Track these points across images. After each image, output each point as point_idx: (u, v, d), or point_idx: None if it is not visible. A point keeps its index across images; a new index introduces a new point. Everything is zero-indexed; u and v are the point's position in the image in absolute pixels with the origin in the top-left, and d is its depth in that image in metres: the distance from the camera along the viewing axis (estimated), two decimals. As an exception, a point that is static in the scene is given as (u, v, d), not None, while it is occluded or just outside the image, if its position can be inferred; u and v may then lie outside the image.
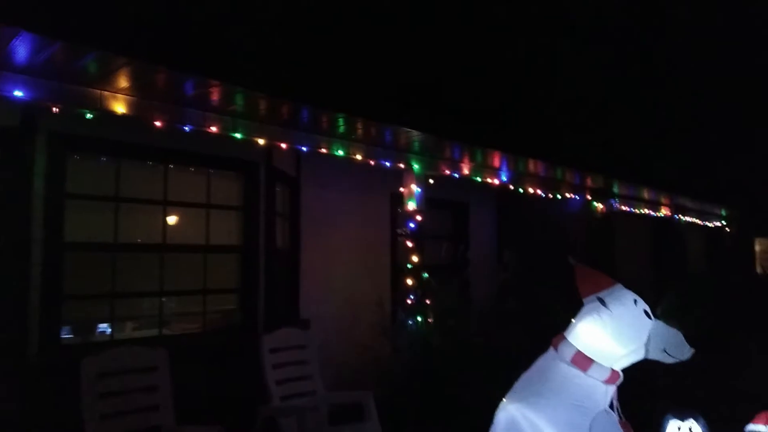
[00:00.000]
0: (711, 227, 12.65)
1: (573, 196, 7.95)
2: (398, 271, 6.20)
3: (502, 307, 6.14)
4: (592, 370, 2.45)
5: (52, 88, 3.56)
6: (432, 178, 5.94)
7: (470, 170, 6.34)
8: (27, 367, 3.70)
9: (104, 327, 4.49)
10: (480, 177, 6.51)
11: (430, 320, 5.40)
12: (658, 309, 2.65)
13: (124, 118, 3.83)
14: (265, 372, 4.19)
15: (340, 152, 5.11)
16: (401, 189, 5.82)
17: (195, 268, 4.86)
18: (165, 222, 4.71)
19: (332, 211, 6.00)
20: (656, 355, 2.45)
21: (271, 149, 4.94)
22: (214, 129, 4.23)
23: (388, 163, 5.53)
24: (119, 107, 3.76)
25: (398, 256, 6.36)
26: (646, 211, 9.88)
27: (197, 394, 4.03)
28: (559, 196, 7.74)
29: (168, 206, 4.73)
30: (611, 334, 2.44)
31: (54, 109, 3.65)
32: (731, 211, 12.32)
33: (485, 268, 7.54)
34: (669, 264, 10.12)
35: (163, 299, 4.76)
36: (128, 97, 3.79)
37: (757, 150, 10.70)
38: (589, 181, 7.90)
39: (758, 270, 14.72)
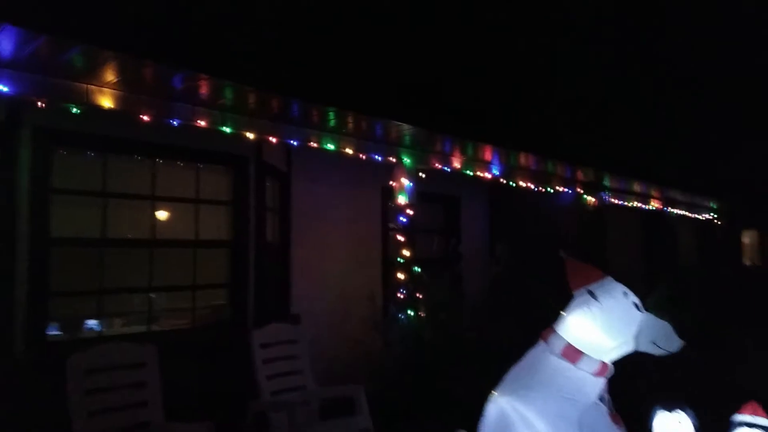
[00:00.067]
0: (701, 220, 12.74)
1: (564, 190, 7.97)
2: (390, 265, 6.19)
3: (494, 301, 6.15)
4: (582, 363, 2.46)
5: (37, 82, 3.51)
6: (423, 172, 5.92)
7: (461, 164, 6.34)
8: (13, 364, 3.66)
9: (92, 323, 4.45)
10: (471, 171, 6.51)
11: (421, 314, 5.40)
12: (648, 301, 2.65)
13: (111, 113, 3.79)
14: (256, 367, 4.17)
15: (331, 146, 5.09)
16: (392, 183, 5.80)
17: (184, 263, 4.82)
18: (153, 217, 4.67)
19: (323, 205, 5.98)
20: (646, 348, 2.46)
21: (260, 143, 4.91)
22: (202, 123, 4.19)
23: (379, 157, 5.51)
24: (106, 101, 3.71)
25: (390, 250, 6.36)
26: (637, 204, 9.94)
27: (187, 390, 4.00)
28: (550, 190, 7.76)
29: (156, 201, 4.69)
30: (601, 327, 2.45)
31: (39, 103, 3.60)
32: (721, 204, 12.42)
33: (477, 261, 7.55)
34: (660, 256, 10.19)
35: (152, 295, 4.73)
36: (115, 91, 3.74)
37: (746, 143, 10.77)
38: (580, 175, 7.92)
39: (747, 262, 14.87)
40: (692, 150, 10.03)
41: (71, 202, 4.26)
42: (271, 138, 4.71)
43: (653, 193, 10.04)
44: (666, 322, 2.47)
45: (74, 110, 3.68)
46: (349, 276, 6.06)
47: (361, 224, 6.38)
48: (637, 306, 2.50)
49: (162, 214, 4.88)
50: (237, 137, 4.47)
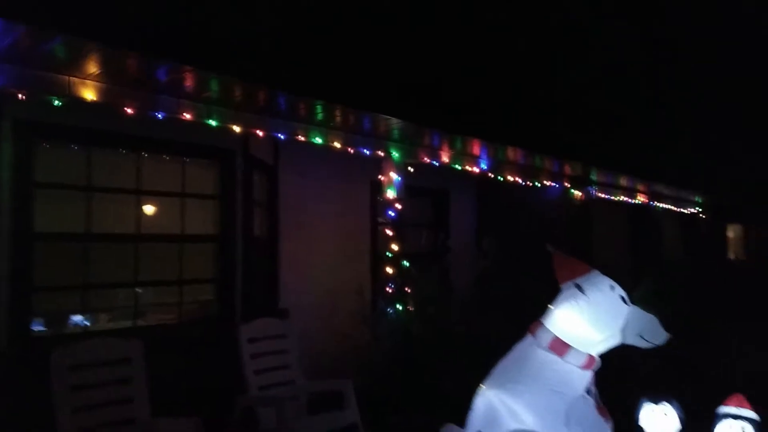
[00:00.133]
0: (686, 214, 12.87)
1: (552, 184, 8.00)
2: (378, 259, 6.18)
3: (482, 295, 6.17)
4: (569, 356, 2.47)
5: (17, 73, 3.43)
6: (412, 166, 5.91)
7: (450, 158, 6.33)
8: (-4, 360, 3.61)
9: (77, 319, 4.40)
10: (460, 165, 6.50)
11: (410, 308, 5.40)
12: (635, 295, 2.67)
13: (95, 105, 3.72)
14: (243, 362, 4.15)
15: (319, 140, 5.05)
16: (381, 177, 5.78)
17: (170, 258, 4.78)
18: (139, 211, 4.62)
19: (311, 199, 5.94)
20: (632, 341, 2.47)
21: (247, 137, 4.86)
22: (188, 116, 4.13)
23: (367, 151, 5.49)
24: (89, 94, 3.64)
25: (378, 244, 6.34)
26: (624, 198, 10.01)
27: (174, 386, 3.97)
28: (538, 184, 7.79)
29: (142, 195, 4.64)
30: (588, 320, 2.46)
31: (20, 95, 3.53)
32: (706, 198, 12.55)
33: (466, 255, 7.56)
34: (646, 250, 10.28)
35: (138, 290, 4.68)
36: (98, 83, 3.67)
37: (732, 138, 10.88)
38: (567, 169, 7.95)
39: (731, 256, 15.07)
40: (678, 145, 10.12)
41: (55, 196, 4.20)
42: (257, 131, 4.67)
43: (639, 187, 10.12)
44: (652, 315, 2.48)
45: (56, 102, 3.61)
46: (337, 270, 6.04)
47: (349, 218, 6.36)
48: (623, 299, 2.52)
49: (147, 209, 4.83)
50: (223, 130, 4.42)
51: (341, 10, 4.78)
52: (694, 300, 7.08)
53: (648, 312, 2.50)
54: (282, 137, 4.85)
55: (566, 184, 8.23)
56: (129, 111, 3.86)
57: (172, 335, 4.65)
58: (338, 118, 4.97)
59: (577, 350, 2.48)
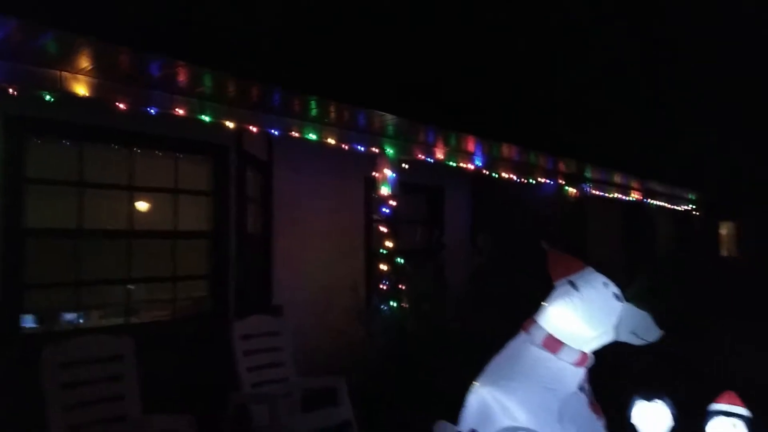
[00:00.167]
0: (680, 211, 12.92)
1: (546, 181, 8.01)
2: (373, 256, 6.17)
3: (476, 292, 6.18)
4: (563, 353, 2.47)
5: (8, 68, 3.40)
6: (406, 163, 5.90)
7: (444, 155, 6.32)
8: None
9: (70, 316, 4.37)
10: (454, 162, 6.50)
11: (404, 305, 5.40)
12: (628, 292, 2.67)
13: (87, 101, 3.69)
14: (237, 359, 4.14)
15: (313, 136, 5.03)
16: (375, 173, 5.76)
17: (164, 254, 4.76)
18: (132, 207, 4.59)
19: (305, 195, 5.93)
20: (626, 338, 2.48)
21: (241, 133, 4.84)
22: (181, 112, 4.10)
23: (361, 148, 5.47)
24: (80, 89, 3.61)
25: (373, 240, 6.34)
26: (618, 195, 10.03)
27: (167, 383, 3.95)
28: (532, 181, 7.79)
29: (134, 191, 4.61)
30: (581, 317, 2.46)
31: (11, 90, 3.49)
32: (699, 196, 12.60)
33: (461, 252, 7.56)
34: (640, 247, 10.32)
35: (131, 287, 4.65)
36: (90, 78, 3.64)
37: (725, 136, 10.92)
38: (562, 166, 7.96)
39: (724, 253, 15.15)
40: (672, 142, 10.15)
41: (46, 192, 4.16)
42: (251, 127, 4.64)
43: (633, 184, 10.14)
44: (646, 313, 2.48)
45: (48, 98, 3.57)
46: (331, 267, 6.03)
47: (344, 215, 6.35)
48: (617, 296, 2.52)
49: (140, 205, 4.80)
50: (217, 126, 4.40)
51: (335, 5, 4.76)
52: (687, 297, 7.12)
53: (641, 309, 2.50)
54: (276, 133, 4.83)
55: (560, 181, 8.24)
56: (121, 106, 3.82)
57: (165, 332, 4.63)
58: (332, 114, 4.95)
59: (570, 347, 2.48)
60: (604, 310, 2.48)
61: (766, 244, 13.15)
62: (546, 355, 2.48)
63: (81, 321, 4.38)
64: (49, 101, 3.61)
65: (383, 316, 5.31)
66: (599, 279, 2.56)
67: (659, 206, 11.72)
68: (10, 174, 3.81)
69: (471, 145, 6.42)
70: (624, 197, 10.29)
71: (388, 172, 5.66)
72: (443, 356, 4.68)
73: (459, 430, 2.41)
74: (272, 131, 4.80)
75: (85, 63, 3.49)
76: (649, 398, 2.50)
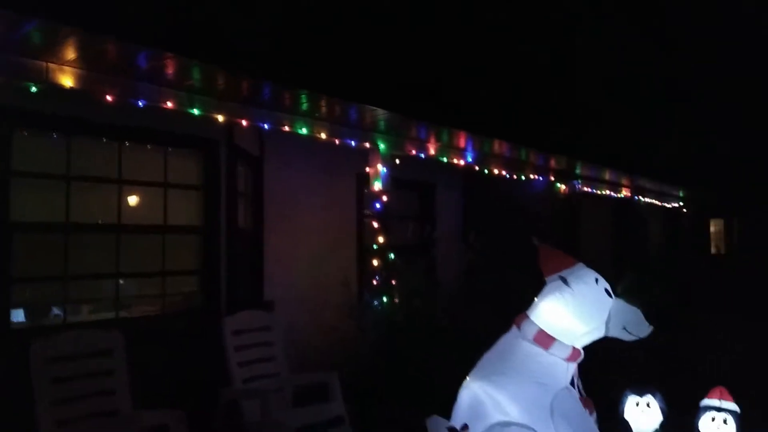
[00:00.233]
0: (669, 208, 13.01)
1: (537, 178, 8.03)
2: (364, 251, 6.15)
3: (468, 287, 6.18)
4: (554, 348, 2.47)
5: (-8, 59, 3.34)
6: (398, 158, 5.88)
7: (436, 150, 6.31)
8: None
9: (59, 310, 4.33)
10: (446, 157, 6.49)
11: (396, 300, 5.39)
12: (619, 287, 2.68)
13: (74, 93, 3.63)
14: (228, 354, 4.11)
15: (304, 130, 5.00)
16: (367, 169, 5.75)
17: (153, 249, 4.72)
18: (120, 201, 4.54)
19: (297, 191, 5.90)
20: (616, 333, 2.49)
21: (231, 127, 4.80)
22: (169, 104, 4.05)
23: (353, 143, 5.45)
24: (66, 80, 3.55)
25: (364, 236, 6.32)
26: (608, 192, 10.08)
27: (157, 378, 3.93)
28: (523, 178, 7.81)
29: (123, 185, 4.56)
30: (573, 313, 2.46)
31: (-5, 81, 3.43)
32: (689, 193, 12.69)
33: (452, 248, 7.56)
34: (630, 244, 10.38)
35: (121, 281, 4.61)
36: (76, 69, 3.58)
37: (714, 134, 11.01)
38: (553, 163, 7.98)
39: (713, 250, 15.28)
40: (662, 139, 10.21)
41: (33, 185, 4.11)
42: (241, 121, 4.60)
43: (623, 181, 10.20)
44: (636, 308, 2.50)
45: (33, 89, 3.51)
46: (323, 262, 6.01)
47: (335, 210, 6.33)
48: (608, 292, 2.53)
49: (129, 199, 4.75)
50: (207, 120, 4.36)
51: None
52: (677, 293, 7.17)
53: (632, 305, 2.51)
54: (266, 127, 4.79)
55: (551, 177, 8.27)
56: (108, 98, 3.77)
57: (155, 327, 4.60)
58: (323, 109, 4.92)
59: (561, 342, 2.48)
60: (595, 306, 2.49)
61: (755, 241, 13.28)
62: (537, 350, 2.49)
63: (70, 315, 4.34)
64: (35, 93, 3.55)
65: (375, 311, 5.30)
66: (591, 275, 2.56)
67: (649, 203, 11.79)
68: (-4, 166, 3.76)
69: (462, 141, 6.42)
70: (614, 194, 10.35)
71: (380, 168, 5.64)
72: (435, 352, 4.68)
73: (451, 425, 2.41)
74: (263, 125, 4.76)
75: (70, 53, 3.43)
76: (640, 393, 2.52)
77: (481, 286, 5.94)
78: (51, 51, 3.37)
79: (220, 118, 4.40)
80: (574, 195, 8.77)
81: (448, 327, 5.06)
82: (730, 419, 2.26)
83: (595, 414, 2.55)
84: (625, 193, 10.56)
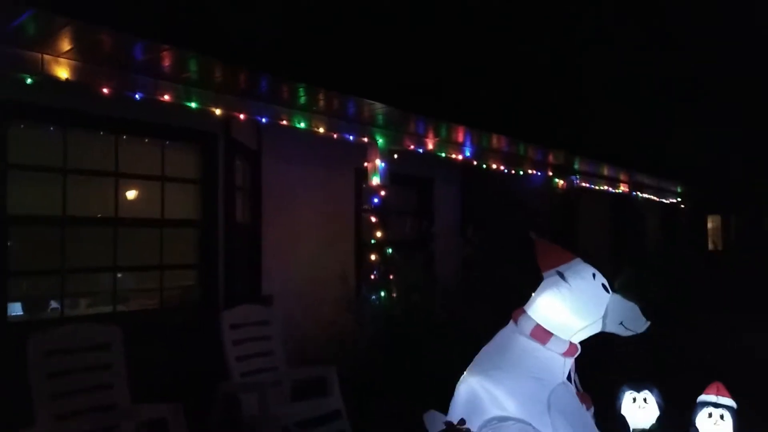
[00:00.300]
0: (667, 204, 13.02)
1: (535, 173, 8.02)
2: (363, 246, 6.15)
3: (466, 282, 6.18)
4: (551, 344, 2.48)
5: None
6: (396, 153, 5.87)
7: (435, 145, 6.30)
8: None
9: (56, 304, 4.32)
10: (444, 152, 6.48)
11: (394, 295, 5.39)
12: (616, 283, 2.68)
13: (70, 85, 3.61)
14: (226, 348, 4.11)
15: (302, 124, 4.98)
16: (365, 164, 5.73)
17: (151, 243, 4.71)
18: (117, 195, 4.52)
19: (295, 185, 5.89)
20: (614, 328, 2.49)
21: (229, 120, 4.78)
22: (166, 97, 4.02)
23: (351, 137, 5.43)
24: (62, 72, 3.52)
25: (363, 231, 6.31)
26: (606, 187, 10.08)
27: (155, 372, 3.93)
28: (521, 173, 7.80)
29: (120, 178, 4.54)
30: (570, 308, 2.46)
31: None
32: (687, 189, 12.70)
33: (450, 243, 7.57)
34: (628, 239, 10.39)
35: (119, 275, 4.60)
36: (71, 61, 3.55)
37: (712, 128, 11.01)
38: (551, 158, 7.98)
39: (710, 246, 15.30)
40: (660, 135, 10.22)
41: (30, 178, 4.09)
42: (239, 114, 4.58)
43: (621, 177, 10.20)
44: (633, 304, 2.50)
45: (28, 81, 3.49)
46: (321, 257, 6.00)
47: (333, 205, 6.32)
48: (605, 287, 2.53)
49: (126, 192, 4.74)
50: (205, 113, 4.33)
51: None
52: (675, 289, 7.18)
53: (629, 300, 2.52)
54: (264, 121, 4.77)
55: (549, 173, 8.26)
56: (105, 91, 3.75)
57: (153, 321, 4.60)
58: (321, 102, 4.90)
59: (558, 338, 2.48)
60: (593, 301, 2.49)
61: (752, 238, 13.31)
62: (535, 345, 2.49)
63: (68, 309, 4.33)
64: (30, 84, 3.52)
65: (373, 306, 5.30)
66: (588, 270, 2.56)
67: (647, 199, 11.80)
68: (-8, 159, 3.74)
69: (461, 136, 6.41)
70: (612, 190, 10.35)
71: (379, 162, 5.63)
72: (433, 346, 4.69)
73: (448, 419, 2.41)
74: (260, 119, 4.74)
75: (65, 45, 3.41)
76: (637, 389, 2.52)
77: (479, 281, 5.94)
78: (46, 42, 3.34)
79: (218, 111, 4.38)
80: (572, 190, 8.77)
81: (445, 322, 5.06)
82: (727, 415, 2.27)
83: (592, 409, 2.55)
84: (623, 188, 10.56)
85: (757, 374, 4.52)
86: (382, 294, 5.36)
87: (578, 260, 2.62)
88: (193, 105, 4.19)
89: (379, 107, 5.06)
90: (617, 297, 2.51)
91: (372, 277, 5.51)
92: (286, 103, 4.81)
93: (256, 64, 3.99)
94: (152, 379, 3.72)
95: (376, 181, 5.63)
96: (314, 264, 5.91)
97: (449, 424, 2.35)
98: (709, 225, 15.54)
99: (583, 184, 9.20)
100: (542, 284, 2.59)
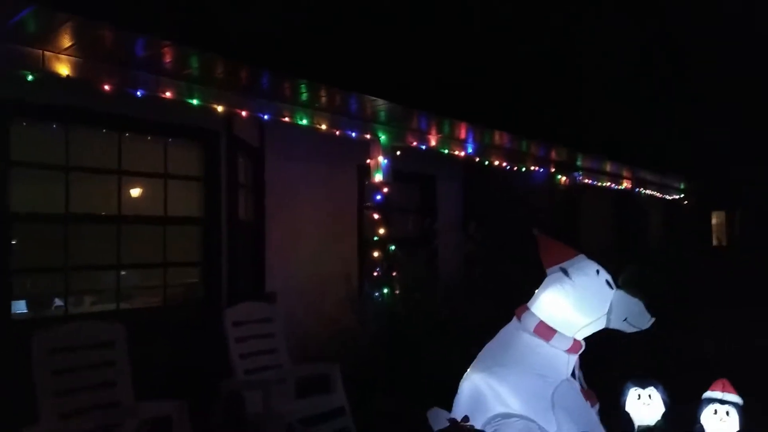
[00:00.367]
0: (670, 200, 12.97)
1: (538, 169, 8.00)
2: (365, 243, 6.14)
3: (469, 279, 6.18)
4: (555, 340, 2.47)
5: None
6: (399, 150, 5.86)
7: (437, 142, 6.29)
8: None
9: (60, 301, 4.33)
10: (447, 149, 6.46)
11: (396, 292, 5.39)
12: (620, 279, 2.67)
13: (72, 82, 3.60)
14: (229, 346, 4.12)
15: (304, 121, 4.97)
16: (368, 160, 5.72)
17: (154, 240, 4.71)
18: (120, 192, 4.52)
19: (297, 182, 5.88)
20: (617, 325, 2.48)
21: (231, 117, 4.77)
22: (168, 94, 4.02)
23: (354, 134, 5.42)
24: (63, 69, 3.51)
25: (365, 228, 6.30)
26: (609, 184, 10.05)
27: (159, 369, 3.93)
28: (524, 169, 7.78)
29: (123, 176, 4.54)
30: (574, 304, 2.46)
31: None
32: (690, 185, 12.65)
33: (453, 240, 7.55)
34: (631, 235, 10.36)
35: (122, 272, 4.61)
36: (72, 57, 3.53)
37: (715, 124, 10.97)
38: (553, 154, 7.95)
39: (714, 242, 15.25)
40: (663, 131, 10.18)
41: (32, 175, 4.09)
42: (241, 111, 4.57)
43: (624, 173, 10.16)
44: (638, 300, 2.49)
45: (29, 78, 3.48)
46: (324, 254, 6.00)
47: (336, 202, 6.31)
48: (609, 283, 2.52)
49: (130, 190, 4.74)
50: (206, 110, 4.33)
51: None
52: (679, 285, 7.16)
53: (633, 296, 2.51)
54: (266, 117, 4.76)
55: (552, 169, 8.24)
56: (106, 87, 3.74)
57: (156, 318, 4.60)
58: (323, 99, 4.89)
59: (562, 334, 2.48)
60: (596, 297, 2.48)
61: (757, 234, 13.25)
62: (538, 342, 2.48)
63: (72, 307, 4.34)
64: (32, 81, 3.51)
65: (376, 303, 5.30)
66: (592, 266, 2.56)
67: (650, 195, 11.76)
68: (-5, 157, 3.74)
69: (463, 132, 6.39)
70: (615, 186, 10.31)
71: (381, 159, 5.62)
72: (435, 343, 4.68)
73: (452, 416, 2.41)
74: (262, 116, 4.73)
75: (66, 41, 3.39)
76: (642, 386, 2.51)
77: (482, 277, 5.93)
78: (47, 38, 3.33)
79: (220, 108, 4.37)
80: (574, 187, 8.75)
81: (448, 319, 5.05)
82: (733, 411, 2.26)
83: (597, 406, 2.55)
84: (626, 184, 10.53)
85: (762, 370, 4.50)
86: (385, 291, 5.36)
87: (582, 256, 2.62)
88: (195, 102, 4.19)
89: (381, 104, 5.04)
90: (621, 293, 2.50)
91: (375, 274, 5.51)
92: (288, 99, 4.79)
93: (258, 61, 3.98)
94: (156, 376, 3.72)
95: (378, 178, 5.62)
96: (317, 261, 5.91)
97: (453, 421, 2.35)
98: (714, 221, 15.48)
99: (586, 181, 9.18)
100: (545, 281, 2.58)
